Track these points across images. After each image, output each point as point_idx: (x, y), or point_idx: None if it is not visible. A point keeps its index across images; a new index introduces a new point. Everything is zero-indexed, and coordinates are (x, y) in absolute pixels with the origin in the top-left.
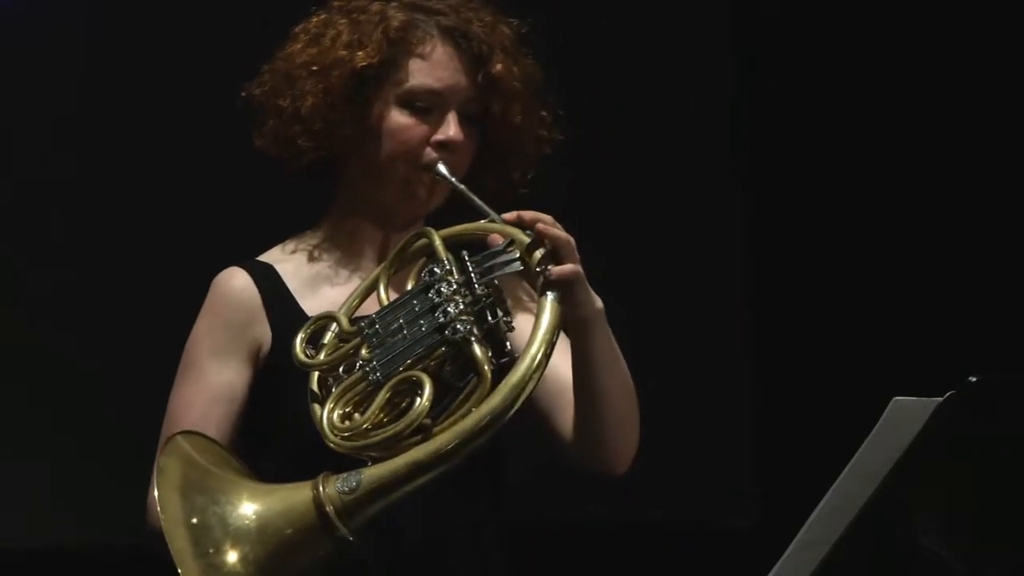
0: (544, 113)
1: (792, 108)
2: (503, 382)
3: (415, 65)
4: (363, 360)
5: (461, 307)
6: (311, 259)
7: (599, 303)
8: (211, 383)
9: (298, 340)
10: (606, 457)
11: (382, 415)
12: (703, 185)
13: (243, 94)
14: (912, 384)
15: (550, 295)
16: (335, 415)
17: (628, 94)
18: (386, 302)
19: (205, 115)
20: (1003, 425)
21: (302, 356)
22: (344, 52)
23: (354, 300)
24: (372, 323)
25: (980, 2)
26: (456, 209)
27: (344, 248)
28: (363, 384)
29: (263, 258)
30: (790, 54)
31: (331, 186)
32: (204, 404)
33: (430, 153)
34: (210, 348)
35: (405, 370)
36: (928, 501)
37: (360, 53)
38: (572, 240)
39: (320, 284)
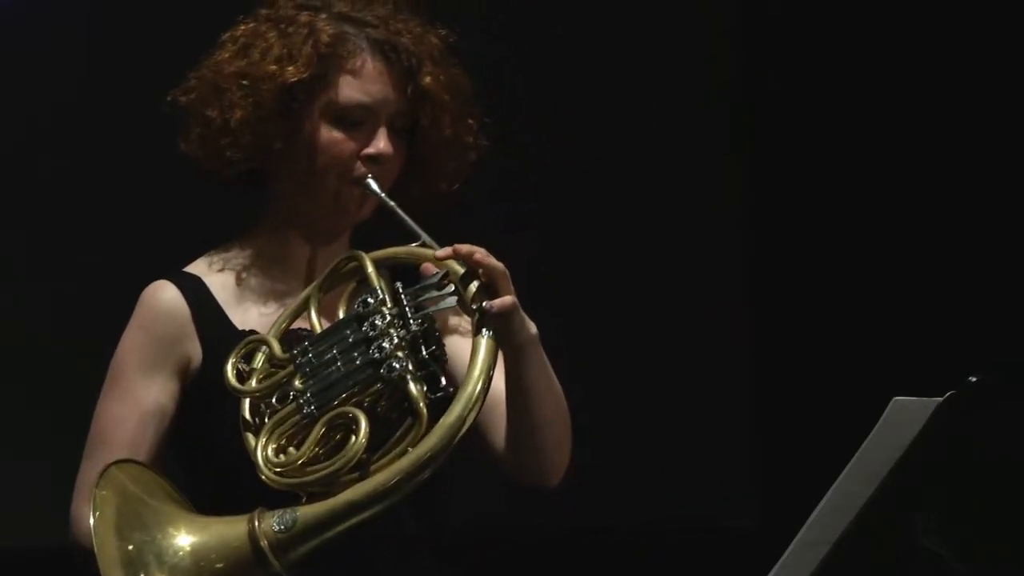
0: (471, 121)
1: (792, 108)
2: (440, 422)
3: (345, 79)
4: (296, 391)
5: (396, 341)
6: (240, 271)
7: (533, 329)
8: (140, 400)
9: (229, 365)
10: (540, 472)
11: (317, 449)
12: (703, 185)
13: (168, 99)
14: (912, 384)
15: (486, 331)
16: (269, 449)
17: (628, 94)
18: (318, 325)
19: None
20: (1003, 425)
21: (234, 381)
22: (274, 66)
23: (283, 321)
24: (305, 351)
25: (980, 2)
26: (384, 219)
27: (272, 260)
28: (297, 416)
29: (191, 270)
30: (790, 54)
31: (257, 195)
32: (134, 422)
33: (360, 167)
34: (138, 364)
35: (340, 404)
36: (928, 501)
37: (290, 68)
38: (507, 271)
39: (249, 297)
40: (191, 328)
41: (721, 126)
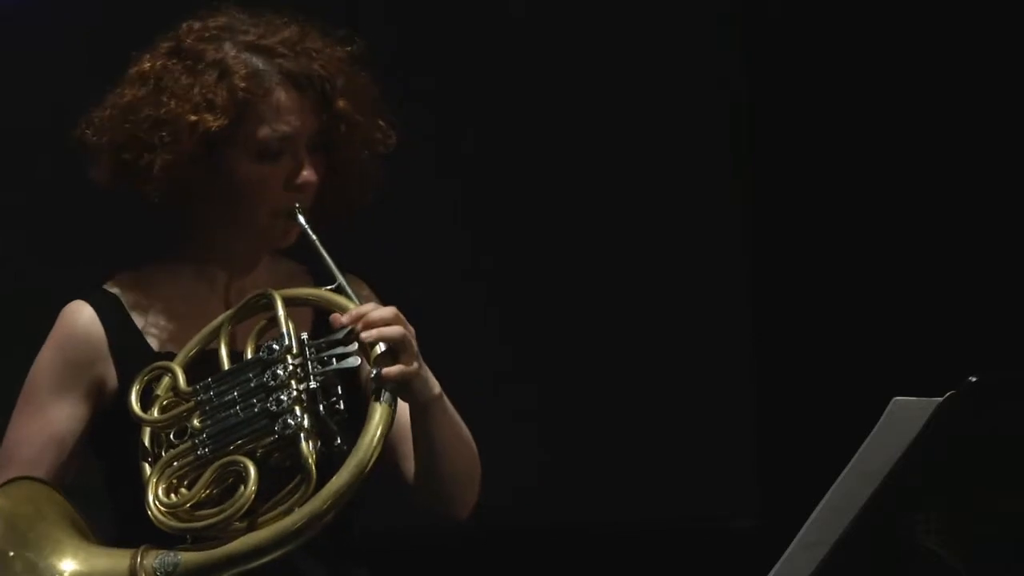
0: (381, 123)
1: (793, 108)
2: (327, 486)
3: (263, 116)
4: (194, 429)
5: (294, 395)
6: (159, 293)
7: (436, 388)
8: (49, 421)
9: (133, 391)
10: (448, 509)
11: (206, 493)
12: (703, 185)
13: (75, 133)
14: (912, 384)
15: (384, 397)
16: (160, 488)
17: (628, 94)
18: (225, 359)
19: None
20: (1003, 425)
21: (136, 408)
22: (193, 116)
23: (192, 348)
24: (207, 388)
25: (980, 2)
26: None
27: (192, 284)
28: (191, 457)
29: (111, 288)
30: (791, 54)
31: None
32: (40, 443)
33: (287, 197)
34: (50, 385)
35: (235, 450)
36: (928, 501)
37: (208, 116)
38: (411, 336)
39: (167, 320)
40: (105, 351)
41: (721, 126)
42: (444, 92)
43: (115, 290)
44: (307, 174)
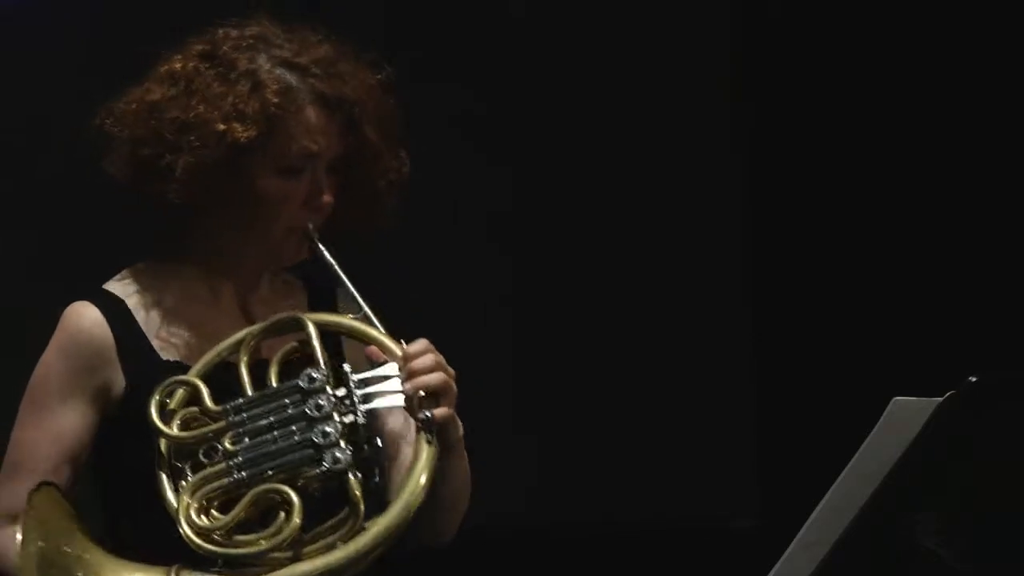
0: (402, 154)
1: (792, 108)
2: (377, 523)
3: (292, 132)
4: (226, 451)
5: (340, 430)
6: (163, 298)
7: (461, 430)
8: (58, 427)
9: (153, 404)
10: (438, 538)
11: (241, 517)
12: (703, 185)
13: (94, 122)
14: (912, 384)
15: (427, 437)
16: (192, 509)
17: (628, 94)
18: (247, 379)
19: None
20: (1003, 425)
21: (160, 423)
22: (223, 125)
23: (211, 361)
24: (239, 409)
25: (980, 2)
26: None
27: (197, 288)
28: (226, 480)
29: (113, 290)
30: (791, 54)
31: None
32: (49, 449)
33: (302, 216)
34: (58, 390)
35: (272, 478)
36: (928, 501)
37: (238, 126)
38: (452, 380)
39: (172, 326)
40: (113, 355)
41: (721, 126)
42: (444, 92)
43: (117, 292)
44: (327, 197)
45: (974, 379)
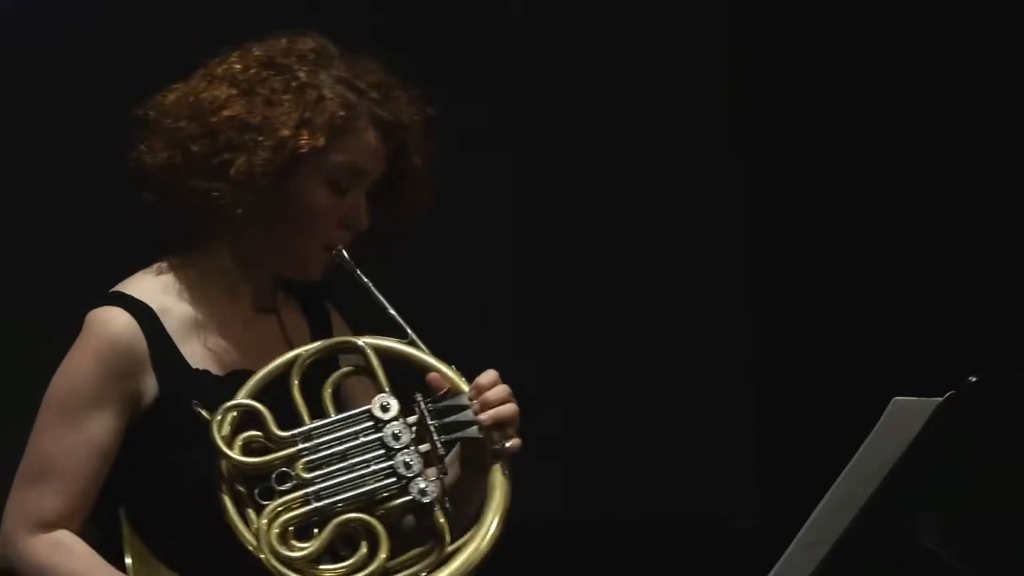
0: (432, 189)
1: (792, 108)
2: (461, 555)
3: (349, 148)
4: (301, 479)
5: (420, 460)
6: (188, 303)
7: None
8: (92, 434)
9: (216, 429)
10: None
11: (324, 544)
12: (703, 185)
13: (138, 111)
14: (912, 384)
15: (502, 469)
16: (273, 535)
17: (628, 94)
18: (300, 401)
19: None
20: (1003, 425)
21: (225, 448)
22: (288, 131)
23: (260, 384)
24: (307, 436)
25: (980, 2)
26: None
27: (217, 295)
28: (306, 509)
29: (136, 293)
30: (790, 54)
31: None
32: (82, 456)
33: (338, 234)
34: (91, 396)
35: (353, 508)
36: (928, 501)
37: (305, 134)
38: (517, 410)
39: (198, 332)
40: (147, 362)
41: (721, 125)
42: (444, 92)
43: (142, 297)
44: (364, 220)
45: (974, 379)
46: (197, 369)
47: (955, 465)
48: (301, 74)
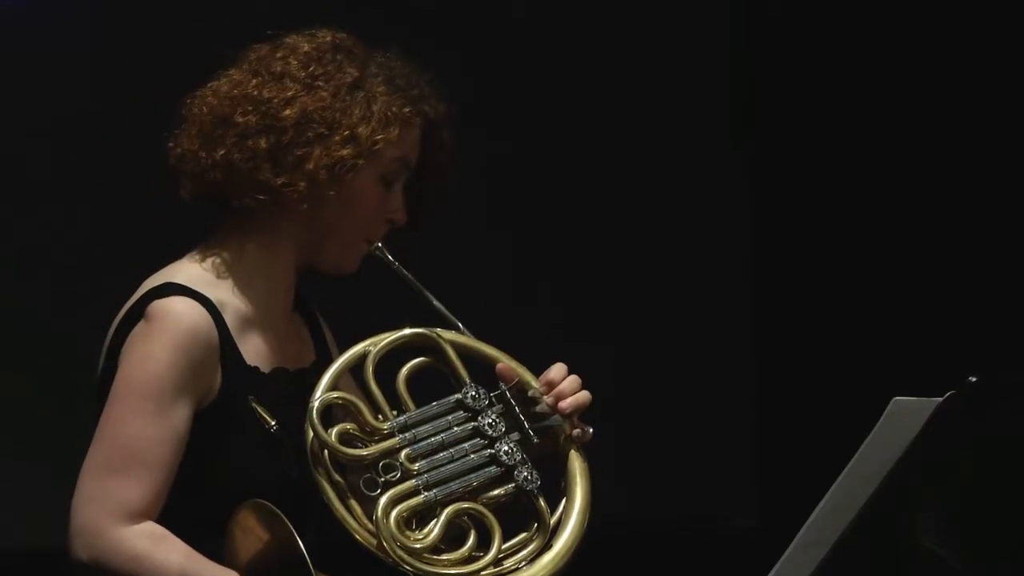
0: (448, 184)
1: (793, 108)
2: (562, 539)
3: (403, 143)
4: (409, 469)
5: (522, 452)
6: (236, 296)
7: None
8: (175, 422)
9: (318, 422)
10: None
11: (441, 533)
12: (704, 186)
13: (182, 105)
14: (912, 384)
15: (579, 455)
16: (393, 526)
17: (628, 94)
18: (377, 391)
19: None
20: (1003, 425)
21: (333, 441)
22: (363, 128)
23: (335, 377)
24: (404, 427)
25: (980, 2)
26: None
27: (262, 289)
28: (421, 498)
29: (192, 286)
30: (790, 52)
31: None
32: (171, 443)
33: (381, 227)
34: (175, 385)
35: (461, 498)
36: (928, 501)
37: (380, 131)
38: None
39: (249, 328)
40: (217, 356)
41: (721, 123)
42: (444, 92)
43: (200, 289)
44: (402, 216)
45: (974, 379)
46: (250, 366)
47: (955, 465)
48: (352, 69)
